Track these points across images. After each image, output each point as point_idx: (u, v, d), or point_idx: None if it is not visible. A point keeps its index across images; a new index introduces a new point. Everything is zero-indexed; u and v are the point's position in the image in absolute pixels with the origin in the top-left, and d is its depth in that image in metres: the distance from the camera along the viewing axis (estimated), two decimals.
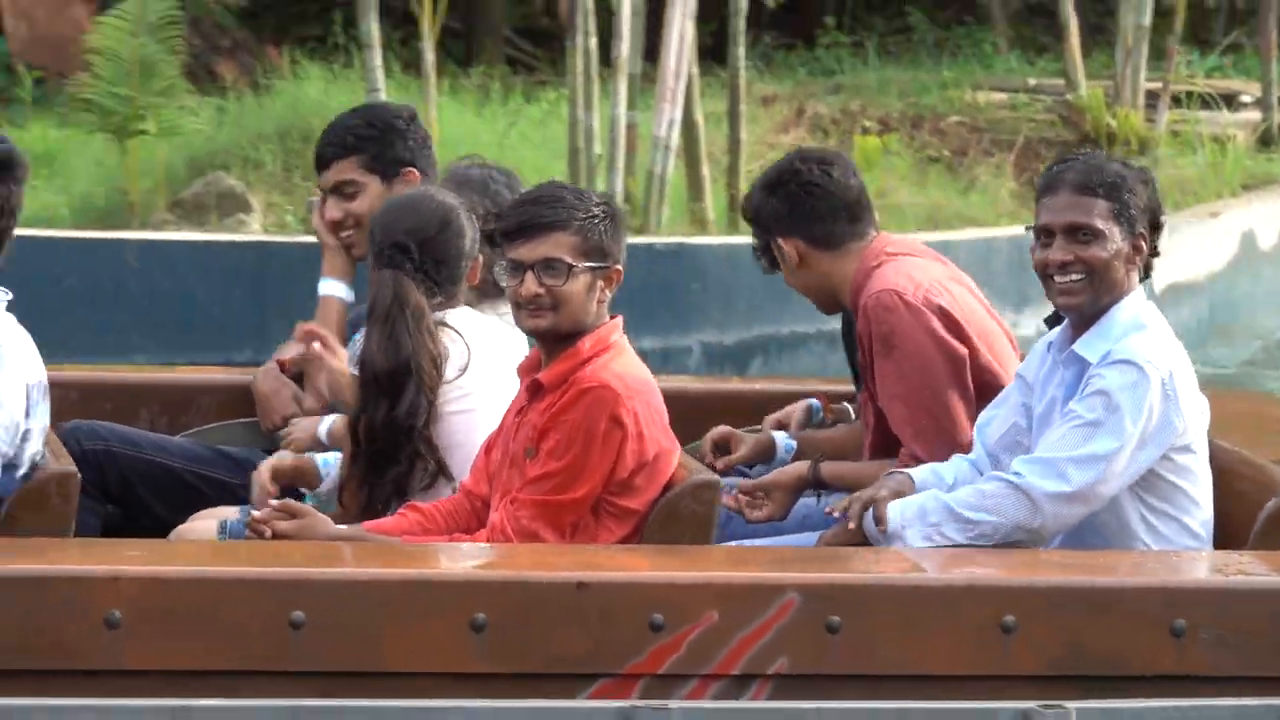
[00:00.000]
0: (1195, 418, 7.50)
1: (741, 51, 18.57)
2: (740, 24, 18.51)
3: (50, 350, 7.73)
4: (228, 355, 13.75)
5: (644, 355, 8.27)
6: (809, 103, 22.14)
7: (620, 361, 7.53)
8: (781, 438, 8.75)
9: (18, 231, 7.44)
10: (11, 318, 7.64)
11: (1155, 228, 7.81)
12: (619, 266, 7.53)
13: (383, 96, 14.95)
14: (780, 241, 8.09)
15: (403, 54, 17.27)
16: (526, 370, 7.59)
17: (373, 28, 14.94)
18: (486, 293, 8.77)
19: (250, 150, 16.75)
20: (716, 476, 7.66)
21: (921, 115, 22.31)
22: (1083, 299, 7.40)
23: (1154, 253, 7.93)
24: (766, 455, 8.62)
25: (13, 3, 19.39)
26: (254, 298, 15.00)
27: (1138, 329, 7.40)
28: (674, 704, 6.56)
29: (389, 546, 7.55)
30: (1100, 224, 7.44)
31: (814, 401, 9.12)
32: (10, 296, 7.58)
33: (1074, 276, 7.35)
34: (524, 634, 6.79)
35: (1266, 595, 6.98)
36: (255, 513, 7.67)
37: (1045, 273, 7.45)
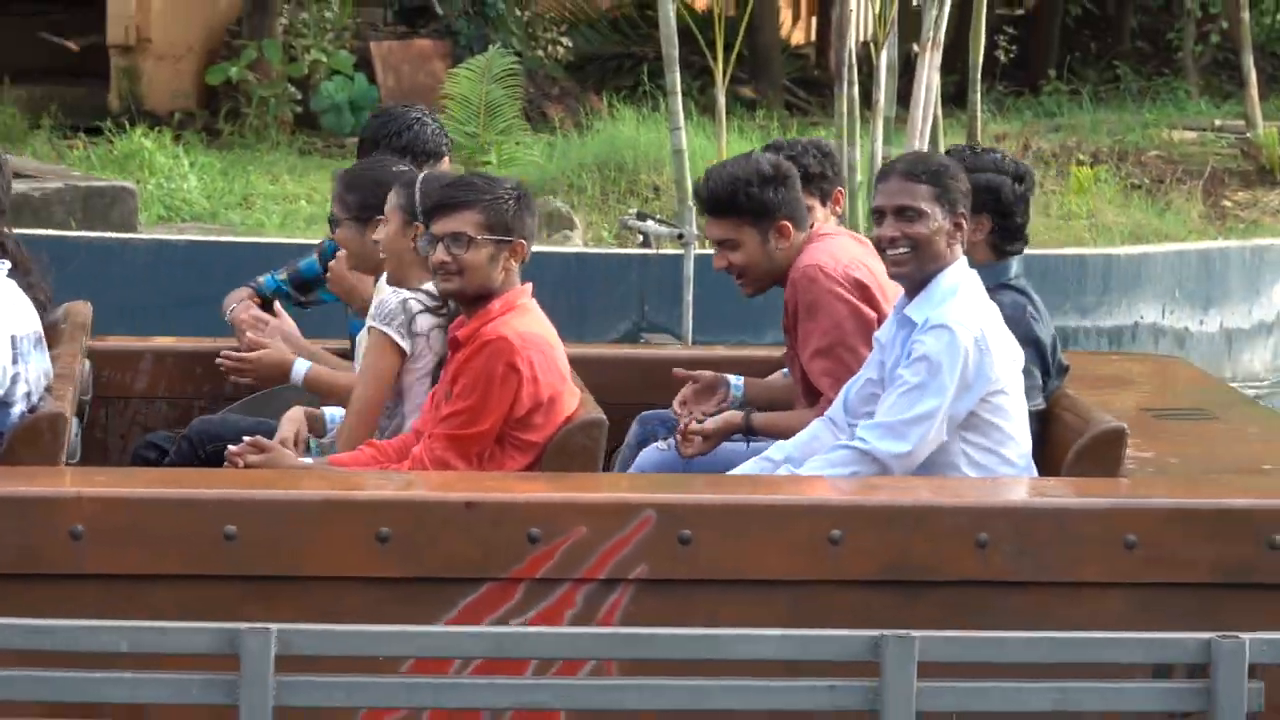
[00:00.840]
0: (1007, 366, 7.84)
1: (978, 97, 19.24)
2: (978, 75, 18.98)
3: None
4: None
5: None
6: (1033, 139, 23.30)
7: (523, 320, 7.94)
8: (733, 379, 9.00)
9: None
10: (11, 283, 8.05)
11: (990, 210, 8.23)
12: (522, 241, 7.85)
13: (683, 136, 15.17)
14: (780, 224, 8.36)
15: (700, 100, 17.65)
16: (453, 329, 8.12)
17: (675, 79, 14.98)
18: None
19: (574, 178, 17.27)
20: (602, 416, 7.96)
21: (1126, 150, 23.36)
22: (909, 269, 7.71)
23: (1018, 235, 8.50)
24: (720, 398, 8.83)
25: (383, 60, 19.93)
26: (577, 300, 15.12)
27: (953, 295, 7.73)
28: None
29: (322, 472, 8.12)
30: (924, 205, 7.75)
31: (732, 380, 9.15)
32: (9, 266, 7.99)
33: (901, 250, 7.70)
34: (420, 545, 7.25)
35: (1056, 513, 7.37)
36: (231, 448, 8.22)
37: (879, 246, 7.85)
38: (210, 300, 10.60)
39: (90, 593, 6.77)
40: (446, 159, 9.39)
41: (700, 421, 8.15)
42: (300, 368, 8.96)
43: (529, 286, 7.92)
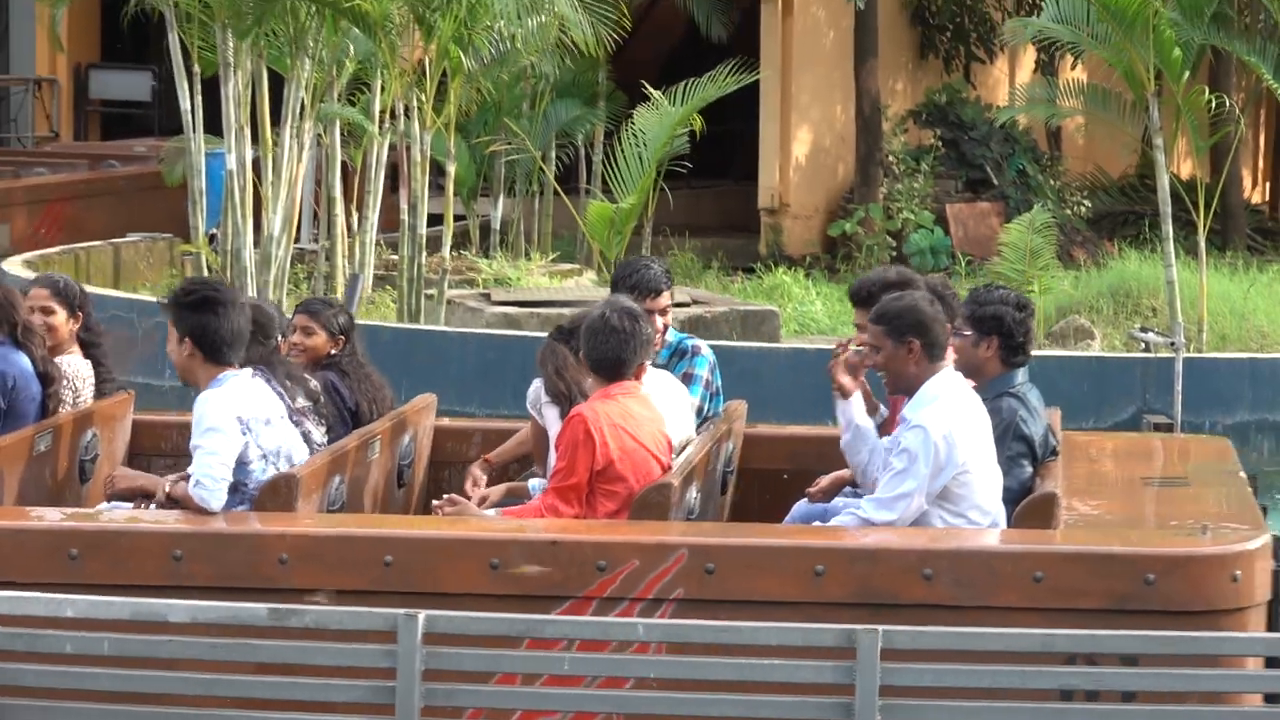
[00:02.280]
0: (972, 453, 8.08)
1: None
2: None
3: None
4: None
5: None
6: None
7: (604, 403, 8.35)
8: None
9: None
10: (258, 379, 8.51)
11: (923, 331, 8.16)
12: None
13: (1174, 271, 15.90)
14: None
15: (1185, 244, 17.26)
16: None
17: (1168, 229, 15.85)
18: None
19: (1093, 302, 17.41)
20: (671, 480, 8.18)
21: None
22: (889, 384, 8.28)
23: (1020, 351, 8.73)
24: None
25: (955, 217, 20.26)
26: (1091, 390, 15.10)
27: (931, 401, 8.08)
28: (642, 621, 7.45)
29: (481, 519, 8.61)
30: (876, 340, 8.20)
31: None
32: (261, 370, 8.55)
33: (880, 374, 8.26)
34: (522, 571, 7.77)
35: (984, 554, 7.76)
36: (434, 502, 8.78)
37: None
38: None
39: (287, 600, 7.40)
40: (665, 293, 9.27)
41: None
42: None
43: (627, 384, 8.37)
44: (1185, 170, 20.86)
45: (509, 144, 18.31)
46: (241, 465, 8.16)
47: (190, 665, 7.22)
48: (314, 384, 9.03)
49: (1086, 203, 21.20)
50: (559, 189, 18.28)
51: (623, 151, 15.29)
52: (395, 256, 15.67)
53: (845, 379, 8.45)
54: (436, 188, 16.32)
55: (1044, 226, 16.58)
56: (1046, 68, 21.50)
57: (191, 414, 8.32)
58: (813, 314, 16.90)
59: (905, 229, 20.11)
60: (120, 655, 7.19)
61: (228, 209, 16.30)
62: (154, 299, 15.88)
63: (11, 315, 9.32)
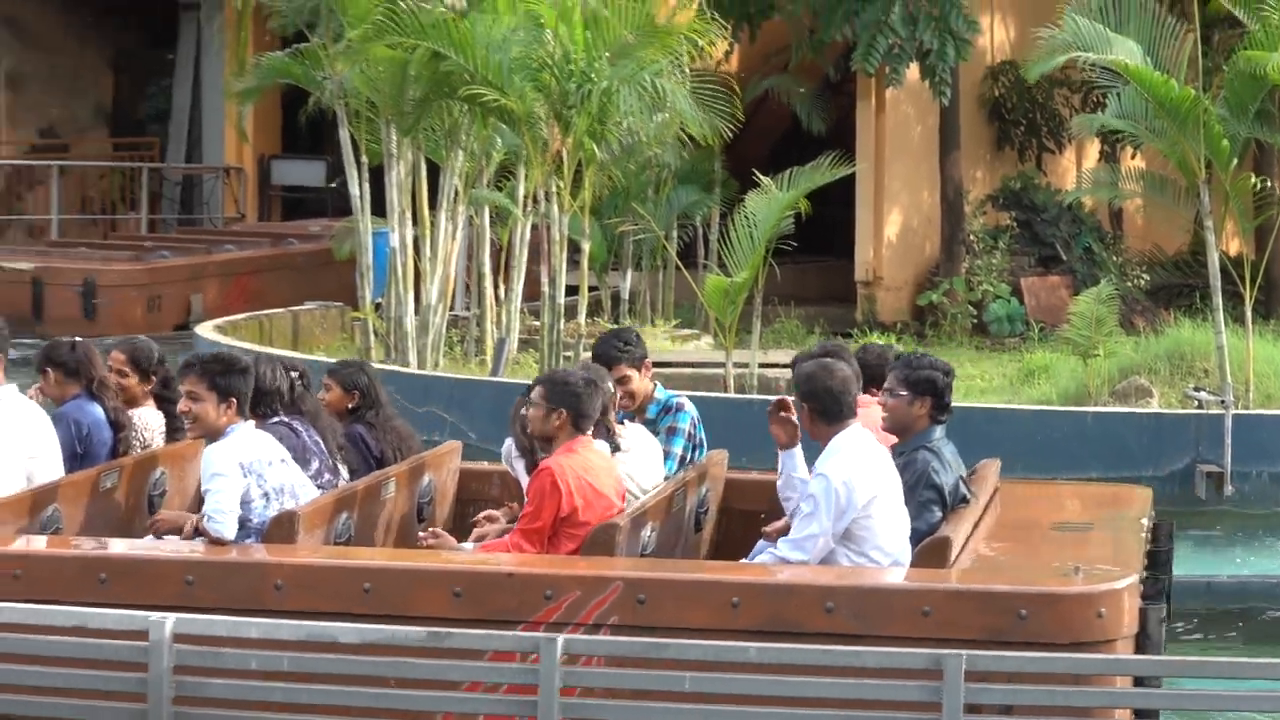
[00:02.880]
0: (872, 497, 8.00)
1: None
2: None
3: None
4: None
5: None
6: None
7: (569, 456, 8.36)
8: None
9: None
10: (260, 433, 8.60)
11: (813, 398, 8.13)
12: (566, 411, 8.41)
13: (1223, 337, 15.61)
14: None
15: (1233, 313, 16.85)
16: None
17: (1218, 299, 15.63)
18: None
19: (1152, 365, 16.83)
20: (618, 522, 8.18)
21: None
22: (809, 436, 8.19)
23: (945, 410, 8.61)
24: None
25: (1029, 289, 20.15)
26: (1150, 444, 14.78)
27: (835, 454, 8.00)
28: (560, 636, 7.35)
29: (451, 552, 8.71)
30: (795, 404, 8.21)
31: None
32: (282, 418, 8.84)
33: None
34: (481, 598, 7.85)
35: (879, 591, 7.72)
36: (420, 534, 9.01)
37: None
38: None
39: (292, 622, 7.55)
40: (621, 365, 9.23)
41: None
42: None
43: (586, 438, 8.46)
44: (1233, 248, 20.67)
45: (636, 224, 18.25)
46: (245, 503, 8.22)
47: (358, 681, 7.30)
48: (341, 435, 9.31)
49: (1145, 276, 20.96)
50: (680, 264, 18.04)
51: (736, 231, 15.18)
52: (537, 323, 15.62)
53: (777, 431, 8.36)
54: (573, 262, 16.20)
55: (1108, 298, 16.42)
56: (1109, 156, 21.32)
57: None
58: None
59: (985, 299, 19.99)
60: (297, 671, 7.31)
61: (391, 281, 16.41)
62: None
63: (89, 371, 9.46)
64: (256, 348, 16.40)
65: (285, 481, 8.52)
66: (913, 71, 19.56)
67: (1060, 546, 8.49)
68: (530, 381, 9.35)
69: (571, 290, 16.12)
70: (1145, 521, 9.13)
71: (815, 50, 20.16)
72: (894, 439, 8.68)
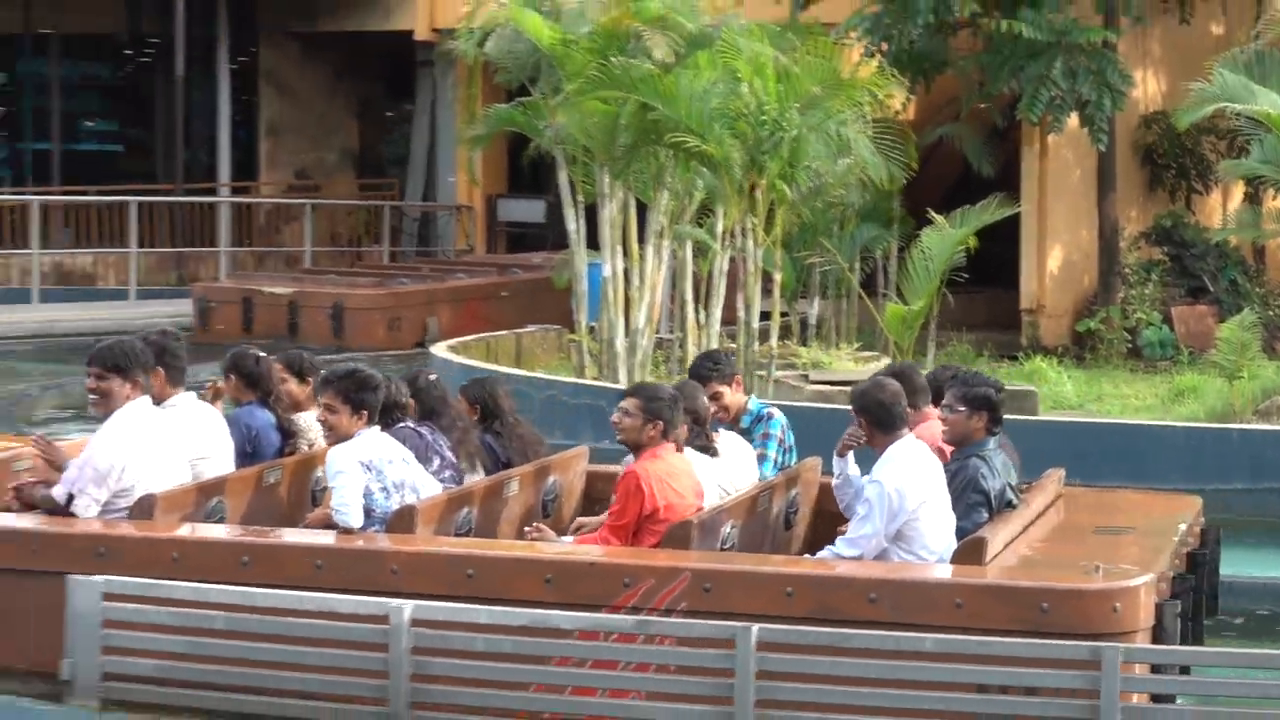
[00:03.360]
0: (921, 502, 8.04)
1: None
2: None
3: None
4: None
5: None
6: None
7: (654, 462, 8.40)
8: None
9: None
10: (384, 436, 8.65)
11: (866, 411, 8.23)
12: (660, 422, 8.38)
13: None
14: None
15: None
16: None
17: None
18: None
19: None
20: (690, 519, 8.22)
21: None
22: (871, 446, 8.26)
23: (998, 423, 8.48)
24: None
25: (1179, 317, 19.72)
26: None
27: (889, 462, 8.09)
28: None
29: (549, 543, 8.65)
30: (856, 419, 8.30)
31: None
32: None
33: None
34: (568, 584, 7.91)
35: (917, 584, 7.70)
36: (526, 528, 8.92)
37: None
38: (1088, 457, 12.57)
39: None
40: (712, 382, 9.32)
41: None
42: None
43: (669, 445, 8.48)
44: None
45: (822, 257, 18.13)
46: (367, 496, 8.35)
47: (569, 662, 7.39)
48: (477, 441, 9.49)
49: None
50: (861, 292, 18.02)
51: (913, 263, 15.12)
52: (733, 344, 15.45)
53: (842, 445, 8.50)
54: (766, 291, 16.06)
55: (1251, 325, 16.06)
56: (1253, 198, 20.97)
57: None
58: (1064, 393, 16.41)
59: (1138, 326, 19.65)
60: (518, 653, 7.40)
61: (603, 307, 16.43)
62: (548, 377, 16.35)
63: (266, 384, 9.63)
64: (485, 365, 16.51)
65: (405, 477, 8.62)
66: (1072, 120, 19.33)
67: (1095, 548, 8.35)
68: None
69: (764, 316, 16.02)
70: (1183, 526, 8.99)
71: (984, 101, 20.02)
72: (950, 449, 8.68)
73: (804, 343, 18.24)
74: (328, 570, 8.14)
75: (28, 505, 8.93)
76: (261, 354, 10.01)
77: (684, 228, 16.43)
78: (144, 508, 8.61)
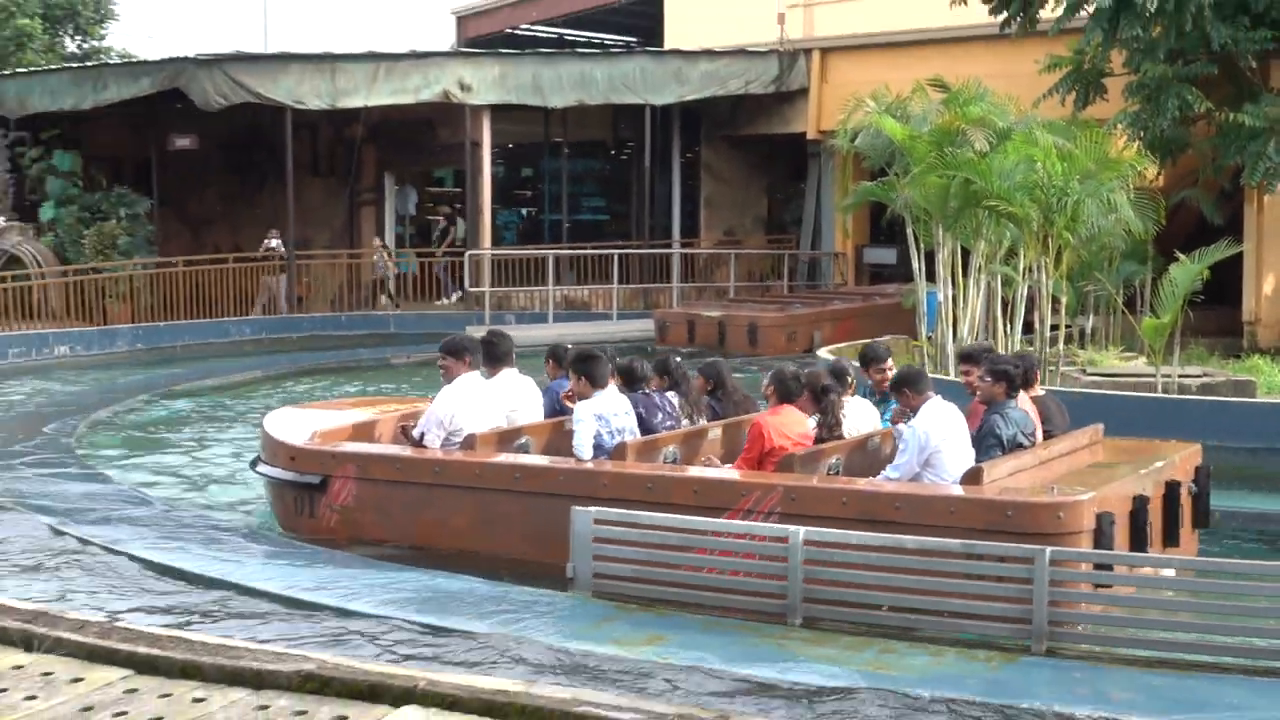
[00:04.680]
0: (941, 442, 8.02)
1: None
2: None
3: None
4: None
5: None
6: None
7: (774, 416, 8.50)
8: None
9: None
10: (622, 397, 8.75)
11: (904, 383, 8.28)
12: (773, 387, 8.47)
13: None
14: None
15: None
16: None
17: None
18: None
19: None
20: (792, 453, 8.19)
21: None
22: (908, 406, 8.19)
23: (1015, 389, 8.41)
24: None
25: None
26: None
27: (921, 415, 8.14)
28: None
29: (711, 469, 8.58)
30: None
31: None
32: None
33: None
34: (707, 494, 8.03)
35: (928, 498, 7.59)
36: (702, 459, 8.87)
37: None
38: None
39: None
40: (880, 363, 9.49)
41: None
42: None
43: (787, 407, 8.56)
44: None
45: (1095, 285, 17.98)
46: (596, 436, 8.59)
47: (912, 572, 7.17)
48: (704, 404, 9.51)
49: None
50: (1125, 310, 17.72)
51: (1163, 289, 14.90)
52: (1030, 348, 15.34)
53: (892, 423, 8.59)
54: (1055, 310, 16.03)
55: None
56: None
57: None
58: (1275, 382, 15.92)
59: None
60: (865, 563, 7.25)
61: (938, 322, 16.50)
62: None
63: (567, 367, 9.47)
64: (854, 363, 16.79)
65: (627, 425, 8.80)
66: None
67: (1079, 478, 8.10)
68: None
69: (1053, 328, 16.01)
70: (1160, 464, 8.60)
71: (1216, 172, 19.67)
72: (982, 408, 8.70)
73: (1082, 347, 17.96)
74: (567, 483, 8.40)
75: (406, 439, 9.26)
76: (569, 345, 10.29)
77: (996, 266, 16.32)
78: (469, 443, 8.88)
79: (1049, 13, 19.66)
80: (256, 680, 4.71)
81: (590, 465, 8.58)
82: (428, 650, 6.63)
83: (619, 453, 8.61)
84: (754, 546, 7.48)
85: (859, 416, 9.15)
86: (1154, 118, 18.35)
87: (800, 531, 7.25)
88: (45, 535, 9.34)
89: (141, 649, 4.99)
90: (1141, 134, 18.69)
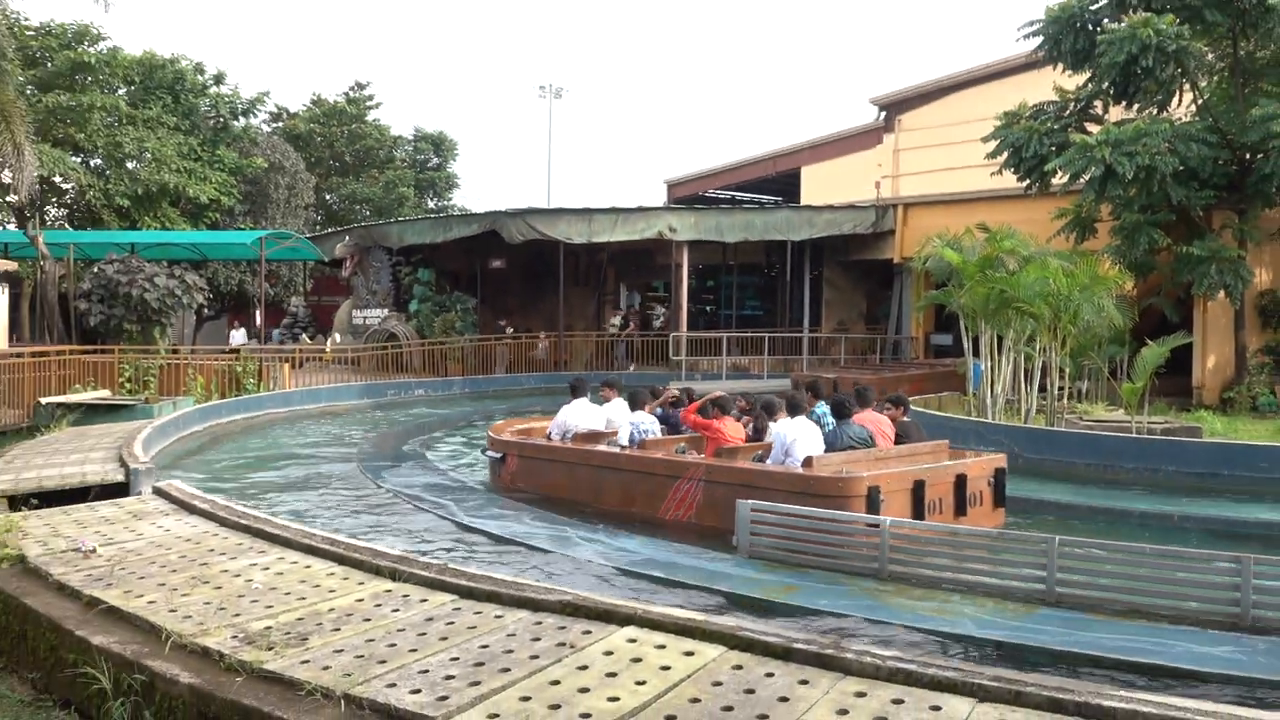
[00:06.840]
0: (793, 440, 7.59)
1: None
2: None
3: None
4: None
5: None
6: None
7: (724, 424, 8.06)
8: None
9: None
10: (640, 413, 8.48)
11: (766, 407, 7.88)
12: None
13: None
14: None
15: None
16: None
17: None
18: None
19: None
20: (726, 448, 7.81)
21: None
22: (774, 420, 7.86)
23: (843, 408, 7.89)
24: None
25: (1278, 392, 17.29)
26: None
27: (783, 424, 7.76)
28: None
29: (688, 454, 8.18)
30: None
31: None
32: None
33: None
34: (675, 470, 7.63)
35: (767, 473, 7.14)
36: (674, 446, 8.40)
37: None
38: None
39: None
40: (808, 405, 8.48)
41: None
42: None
43: (729, 419, 8.10)
44: None
45: (1089, 360, 16.85)
46: (633, 434, 8.48)
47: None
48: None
49: None
50: (1110, 377, 16.72)
51: (1136, 364, 14.05)
52: (1043, 401, 14.72)
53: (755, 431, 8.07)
54: (1061, 377, 15.28)
55: None
56: None
57: None
58: (1216, 428, 14.87)
59: (1257, 396, 17.78)
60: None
61: (981, 384, 15.79)
62: (952, 416, 15.61)
63: (641, 398, 9.16)
64: (922, 409, 15.83)
65: (651, 428, 8.70)
66: (1221, 294, 17.68)
67: (877, 465, 7.66)
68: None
69: (1060, 389, 15.44)
70: (950, 464, 7.96)
71: (1174, 286, 18.73)
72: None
73: (1078, 401, 17.29)
74: (605, 459, 8.23)
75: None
76: (659, 386, 9.98)
77: (1020, 347, 15.68)
78: (576, 439, 8.95)
79: (1058, 180, 18.93)
80: (534, 605, 4.78)
81: (623, 451, 8.61)
82: (646, 591, 6.61)
83: (644, 446, 8.65)
84: (855, 529, 7.11)
85: (800, 430, 8.43)
86: (1130, 249, 17.66)
87: (887, 521, 6.82)
88: (409, 510, 9.41)
89: (464, 582, 5.09)
90: (1121, 260, 17.93)
